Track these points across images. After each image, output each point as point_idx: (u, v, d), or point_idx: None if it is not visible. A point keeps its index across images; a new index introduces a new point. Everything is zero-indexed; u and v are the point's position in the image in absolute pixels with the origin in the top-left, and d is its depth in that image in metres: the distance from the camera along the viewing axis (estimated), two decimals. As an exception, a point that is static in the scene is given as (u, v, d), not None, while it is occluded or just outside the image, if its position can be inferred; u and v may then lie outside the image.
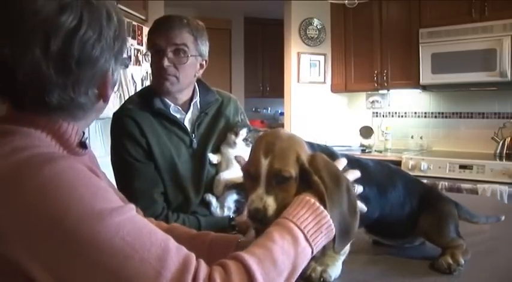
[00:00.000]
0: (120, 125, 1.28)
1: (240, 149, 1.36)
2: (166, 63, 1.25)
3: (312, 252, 0.71)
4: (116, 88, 0.82)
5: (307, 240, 0.70)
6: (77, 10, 0.64)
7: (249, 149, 1.35)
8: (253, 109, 5.51)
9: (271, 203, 0.77)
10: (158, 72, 1.27)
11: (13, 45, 0.61)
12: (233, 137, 1.35)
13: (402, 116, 3.83)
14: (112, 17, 0.69)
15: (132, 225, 0.58)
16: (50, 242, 0.55)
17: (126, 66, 0.77)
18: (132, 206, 0.62)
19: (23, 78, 0.62)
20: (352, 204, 0.79)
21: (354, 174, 0.88)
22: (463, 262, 0.94)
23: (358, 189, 0.87)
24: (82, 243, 0.54)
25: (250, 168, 0.80)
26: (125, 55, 0.75)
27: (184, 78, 1.30)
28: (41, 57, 0.62)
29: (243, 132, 1.35)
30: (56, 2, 0.63)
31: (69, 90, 0.66)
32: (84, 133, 0.74)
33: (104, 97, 0.72)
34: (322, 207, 0.73)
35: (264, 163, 0.78)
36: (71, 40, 0.63)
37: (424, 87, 3.41)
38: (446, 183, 2.87)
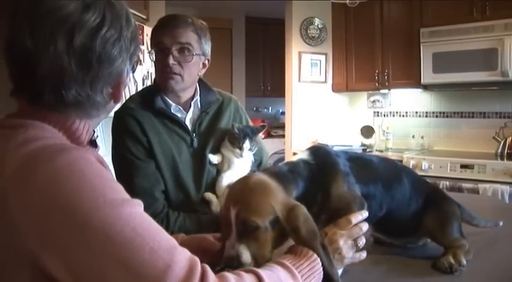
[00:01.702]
0: (122, 124, 1.28)
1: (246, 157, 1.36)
2: (171, 61, 1.25)
3: None
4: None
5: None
6: (100, 9, 0.67)
7: (250, 152, 1.37)
8: (254, 108, 5.51)
9: (243, 250, 0.78)
10: (163, 70, 1.27)
11: (36, 39, 0.63)
12: (238, 151, 1.34)
13: (403, 116, 3.82)
14: (130, 19, 0.72)
15: (142, 218, 0.59)
16: (62, 231, 0.55)
17: (133, 71, 0.78)
18: (140, 202, 0.62)
19: (44, 72, 0.64)
20: (329, 258, 0.79)
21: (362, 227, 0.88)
22: (464, 262, 0.94)
23: (362, 255, 0.88)
24: (94, 232, 0.55)
25: (221, 217, 0.82)
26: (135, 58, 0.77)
27: (189, 76, 1.30)
28: (64, 51, 0.63)
29: (247, 145, 1.35)
30: (80, 1, 0.65)
31: (86, 87, 0.67)
32: (94, 132, 0.75)
33: (115, 97, 0.73)
34: (318, 260, 0.77)
35: (233, 212, 0.79)
36: (94, 37, 0.65)
37: (425, 87, 3.41)
38: (448, 183, 2.86)
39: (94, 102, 0.69)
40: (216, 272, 0.61)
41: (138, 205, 0.61)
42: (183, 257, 0.57)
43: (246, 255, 0.77)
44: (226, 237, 0.80)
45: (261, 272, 0.66)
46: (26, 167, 0.58)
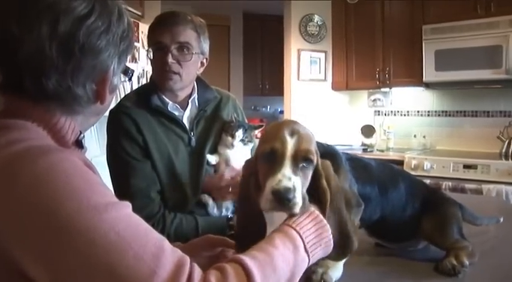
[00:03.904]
0: (117, 123, 1.28)
1: (236, 149, 1.36)
2: (170, 60, 1.25)
3: (309, 262, 0.72)
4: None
5: (306, 250, 0.71)
6: (90, 1, 0.67)
7: (247, 149, 1.37)
8: (252, 107, 5.51)
9: (298, 186, 0.74)
10: (161, 69, 1.27)
11: (22, 24, 0.63)
12: (230, 139, 1.35)
13: (405, 115, 3.83)
14: (123, 17, 0.72)
15: (128, 221, 0.58)
16: (44, 235, 0.55)
17: (129, 78, 0.78)
18: (128, 203, 0.62)
19: (24, 55, 0.64)
20: (351, 217, 0.79)
21: None
22: (467, 263, 0.94)
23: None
24: (76, 236, 0.54)
25: (274, 146, 0.77)
26: (128, 63, 0.76)
27: (187, 75, 1.30)
28: (46, 36, 0.63)
29: (240, 134, 1.36)
30: None
31: (67, 77, 0.66)
32: (81, 132, 0.75)
33: (101, 97, 0.72)
34: (325, 221, 0.75)
35: (290, 142, 0.77)
36: (79, 25, 0.65)
37: (428, 85, 3.41)
38: (450, 184, 2.87)
39: (75, 96, 0.69)
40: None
41: (125, 207, 0.60)
42: (170, 260, 0.57)
43: (299, 190, 0.74)
44: (271, 172, 0.75)
45: (248, 261, 0.62)
46: (9, 169, 0.57)
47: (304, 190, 0.77)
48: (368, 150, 3.64)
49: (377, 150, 3.65)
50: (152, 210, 1.24)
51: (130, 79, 0.79)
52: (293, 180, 0.74)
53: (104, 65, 0.70)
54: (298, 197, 0.74)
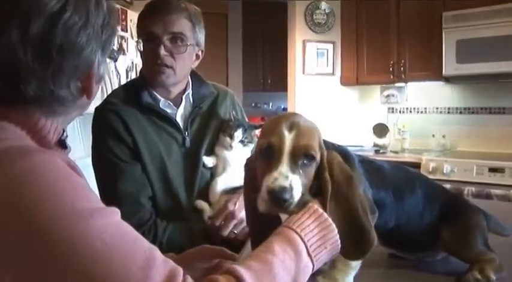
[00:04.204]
0: (103, 121, 1.29)
1: (236, 150, 1.37)
2: (162, 52, 1.26)
3: (313, 268, 0.71)
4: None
5: (309, 255, 0.70)
6: None
7: (247, 150, 1.38)
8: (253, 104, 5.52)
9: (296, 184, 0.75)
10: (153, 62, 1.28)
11: None
12: (228, 139, 1.36)
13: (422, 112, 3.84)
14: (101, 3, 0.71)
15: (115, 229, 0.58)
16: (22, 243, 0.54)
17: (115, 60, 0.79)
18: (117, 210, 0.62)
19: None
20: (363, 206, 0.79)
21: None
22: (494, 278, 0.93)
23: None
24: (58, 244, 0.54)
25: (271, 141, 0.77)
26: (113, 47, 0.76)
27: (181, 69, 1.31)
28: (17, 41, 0.62)
29: (239, 134, 1.36)
30: None
31: (48, 81, 0.66)
32: (64, 131, 0.75)
33: (87, 92, 0.73)
34: (330, 220, 0.74)
35: (288, 137, 0.77)
36: (54, 25, 0.64)
37: (448, 79, 3.41)
38: (473, 189, 2.85)
39: (59, 98, 0.69)
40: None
41: (113, 214, 0.60)
42: (161, 272, 0.57)
43: (298, 188, 0.75)
44: (268, 170, 0.76)
45: (244, 272, 0.62)
46: None
47: (306, 189, 0.77)
48: (381, 151, 3.65)
49: (391, 151, 3.66)
50: (142, 217, 1.25)
51: (116, 60, 0.79)
52: (290, 178, 0.74)
53: (87, 61, 0.70)
54: (297, 197, 0.74)
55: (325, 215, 0.74)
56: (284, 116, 0.83)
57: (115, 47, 2.43)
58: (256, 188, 0.80)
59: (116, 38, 2.62)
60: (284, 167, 0.75)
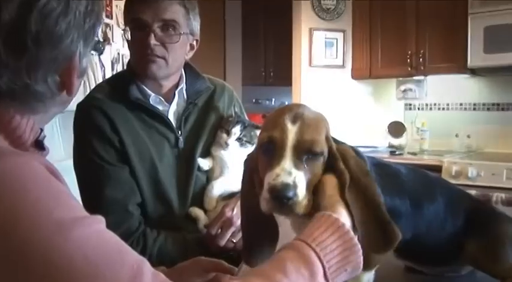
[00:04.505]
0: (86, 119, 1.30)
1: (234, 150, 1.37)
2: (153, 41, 1.26)
3: None
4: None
5: (326, 278, 0.68)
6: None
7: (245, 151, 1.39)
8: (253, 100, 5.52)
9: (301, 181, 0.76)
10: (142, 52, 1.29)
11: None
12: (224, 136, 1.37)
13: (443, 109, 3.84)
14: None
15: (99, 240, 0.59)
16: None
17: (101, 53, 0.79)
18: (101, 218, 0.62)
19: None
20: (382, 202, 0.80)
21: None
22: None
23: None
24: (35, 258, 0.54)
25: (272, 134, 0.79)
26: (97, 37, 0.76)
27: (174, 60, 1.32)
28: None
29: (236, 130, 1.37)
30: None
31: (22, 74, 0.66)
32: (42, 131, 0.75)
33: (68, 88, 0.72)
34: (355, 239, 0.72)
35: (292, 129, 0.78)
36: (28, 11, 0.64)
37: (473, 71, 3.40)
38: (503, 195, 2.83)
39: (35, 94, 0.68)
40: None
41: (97, 223, 0.61)
42: None
43: (303, 186, 0.76)
44: (270, 166, 0.77)
45: None
46: None
47: (311, 186, 0.79)
48: (397, 153, 3.65)
49: (408, 153, 3.66)
50: (130, 226, 1.26)
51: (101, 53, 0.79)
52: (294, 174, 0.75)
53: (67, 52, 0.69)
54: (301, 195, 0.75)
55: (351, 232, 0.73)
56: (287, 107, 0.84)
57: (100, 38, 2.44)
58: (255, 186, 0.81)
59: (101, 27, 2.62)
60: (287, 163, 0.76)
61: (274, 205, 0.75)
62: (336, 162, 0.81)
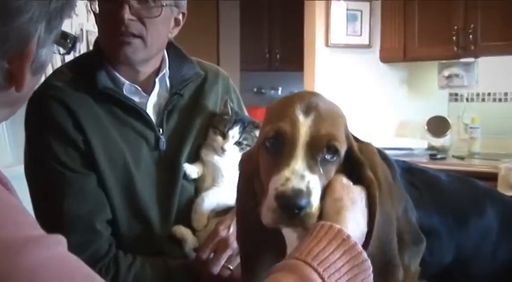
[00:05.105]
0: (42, 113, 1.31)
1: (233, 156, 1.38)
2: (128, 15, 1.27)
3: None
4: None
5: None
6: None
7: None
8: (255, 89, 5.53)
9: (316, 188, 0.77)
10: (113, 30, 1.29)
11: None
12: (219, 139, 1.38)
13: (500, 100, 3.85)
14: None
15: (58, 267, 0.59)
16: None
17: (69, 50, 0.80)
18: (61, 239, 0.64)
19: None
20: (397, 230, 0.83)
21: None
22: None
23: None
24: None
25: (280, 128, 0.80)
26: (68, 32, 0.77)
27: (154, 40, 1.32)
28: None
29: (235, 133, 1.38)
30: None
31: None
32: None
33: (17, 81, 0.73)
34: (364, 254, 0.74)
35: (304, 123, 0.80)
36: None
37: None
38: None
39: None
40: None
41: (55, 245, 0.61)
42: None
43: (317, 193, 0.77)
44: (277, 167, 0.79)
45: None
46: None
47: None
48: (438, 156, 3.65)
49: (453, 157, 3.67)
50: (98, 249, 1.27)
51: (69, 51, 0.80)
52: (307, 178, 0.77)
53: (22, 32, 0.70)
54: (316, 205, 0.76)
55: (359, 246, 0.75)
56: (298, 95, 0.86)
57: (73, 32, 2.44)
58: (255, 194, 0.82)
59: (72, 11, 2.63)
60: (299, 164, 0.78)
61: (282, 217, 0.77)
62: (362, 169, 0.83)
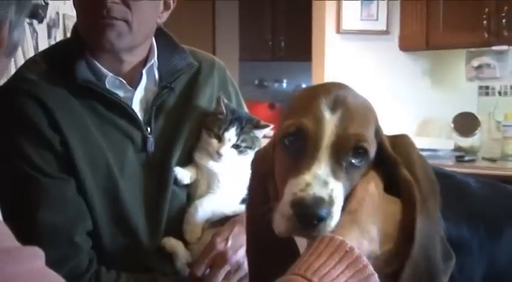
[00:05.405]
0: (13, 111, 1.31)
1: (230, 160, 1.39)
2: None
3: None
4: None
5: None
6: None
7: (244, 159, 1.39)
8: (256, 82, 5.54)
9: (339, 196, 0.78)
10: (95, 14, 1.29)
11: None
12: (214, 142, 1.38)
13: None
14: None
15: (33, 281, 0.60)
16: None
17: (40, 20, 0.80)
18: (38, 251, 0.64)
19: None
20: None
21: None
22: None
23: None
24: None
25: (303, 124, 0.80)
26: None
27: (141, 25, 1.32)
28: None
29: (231, 135, 1.38)
30: None
31: None
32: None
33: None
34: (370, 267, 0.75)
35: (331, 120, 0.80)
36: None
37: None
38: None
39: None
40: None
41: (31, 258, 0.62)
42: None
43: (339, 203, 0.77)
44: (296, 170, 0.79)
45: None
46: None
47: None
48: (466, 158, 3.66)
49: (483, 159, 3.68)
50: (78, 265, 1.27)
51: (41, 21, 0.81)
52: (331, 186, 0.77)
53: None
54: (337, 217, 0.76)
55: (363, 259, 0.75)
56: (323, 87, 0.86)
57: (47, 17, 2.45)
58: (268, 198, 0.82)
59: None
60: (322, 168, 0.78)
61: (297, 226, 0.77)
62: (397, 168, 0.83)
